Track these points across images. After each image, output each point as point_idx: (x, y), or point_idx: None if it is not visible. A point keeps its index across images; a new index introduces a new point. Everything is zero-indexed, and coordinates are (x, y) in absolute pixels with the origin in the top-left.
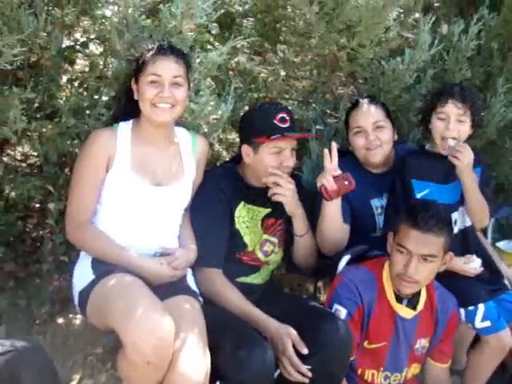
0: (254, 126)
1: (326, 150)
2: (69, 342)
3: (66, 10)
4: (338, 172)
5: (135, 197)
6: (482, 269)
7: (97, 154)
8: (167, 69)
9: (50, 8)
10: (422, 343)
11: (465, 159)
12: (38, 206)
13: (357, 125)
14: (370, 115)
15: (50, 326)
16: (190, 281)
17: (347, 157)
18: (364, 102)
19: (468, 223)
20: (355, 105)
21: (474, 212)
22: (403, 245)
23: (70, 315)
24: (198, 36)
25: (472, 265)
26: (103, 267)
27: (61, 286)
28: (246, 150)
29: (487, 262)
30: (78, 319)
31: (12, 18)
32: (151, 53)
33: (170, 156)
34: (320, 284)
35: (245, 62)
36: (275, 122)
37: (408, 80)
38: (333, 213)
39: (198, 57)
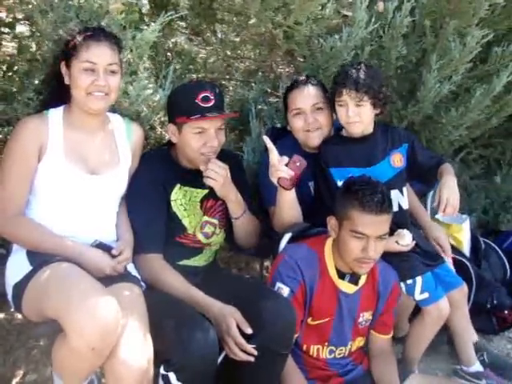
0: (177, 105)
1: (265, 138)
2: (10, 337)
3: None
4: (286, 159)
5: (70, 186)
6: (414, 243)
7: (27, 143)
8: (102, 56)
9: None
10: (365, 316)
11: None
12: None
13: (295, 107)
14: (308, 97)
15: None
16: (130, 267)
17: (287, 137)
18: (302, 83)
19: (405, 206)
20: (293, 85)
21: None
22: (359, 231)
23: (11, 309)
24: (128, 16)
25: (404, 241)
26: (40, 258)
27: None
28: (171, 129)
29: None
30: (19, 314)
31: None
32: (83, 37)
33: (105, 143)
34: (267, 263)
35: (183, 42)
36: (197, 101)
37: (346, 57)
38: (291, 199)
39: (132, 37)
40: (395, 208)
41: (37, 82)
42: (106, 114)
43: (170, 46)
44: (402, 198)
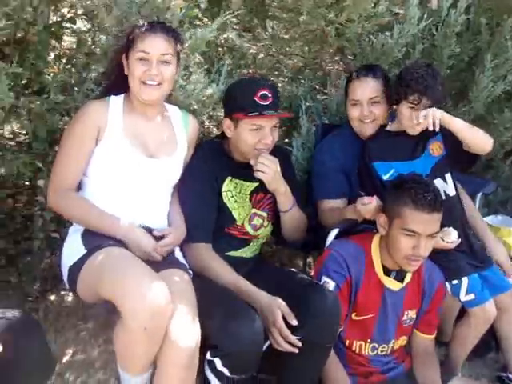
0: (235, 100)
1: None
2: (61, 318)
3: None
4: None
5: (128, 167)
6: (459, 240)
7: (86, 125)
8: (155, 46)
9: None
10: (410, 315)
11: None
12: (27, 183)
13: (353, 97)
14: (367, 90)
15: (41, 302)
16: (178, 255)
17: (344, 126)
18: (364, 74)
19: (452, 192)
20: (355, 75)
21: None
22: (411, 229)
23: (62, 292)
24: (187, 12)
25: (449, 238)
26: (94, 241)
27: (52, 263)
28: (227, 123)
29: (466, 233)
30: (69, 296)
31: None
32: (141, 29)
33: (163, 130)
34: (310, 259)
35: (234, 38)
36: (255, 98)
37: (397, 55)
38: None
39: (188, 33)
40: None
41: (94, 74)
42: (164, 105)
43: (222, 41)
44: (446, 186)
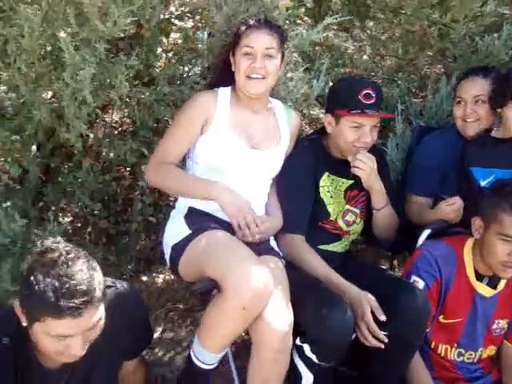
0: (339, 97)
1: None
2: (152, 297)
3: None
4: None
5: (232, 156)
6: None
7: (196, 110)
8: (260, 41)
9: None
10: (501, 324)
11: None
12: (128, 168)
13: (458, 95)
14: (472, 88)
15: (134, 282)
16: (273, 244)
17: (448, 127)
18: (474, 73)
19: None
20: (466, 74)
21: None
22: (509, 234)
23: (154, 274)
24: (293, 11)
25: None
26: (198, 223)
27: (146, 246)
28: (328, 119)
29: None
30: (160, 278)
31: None
32: (246, 26)
33: (267, 123)
34: (395, 262)
35: (333, 37)
36: (359, 97)
37: (504, 57)
38: None
39: (293, 32)
40: None
41: (198, 68)
42: (269, 98)
43: (321, 40)
44: None
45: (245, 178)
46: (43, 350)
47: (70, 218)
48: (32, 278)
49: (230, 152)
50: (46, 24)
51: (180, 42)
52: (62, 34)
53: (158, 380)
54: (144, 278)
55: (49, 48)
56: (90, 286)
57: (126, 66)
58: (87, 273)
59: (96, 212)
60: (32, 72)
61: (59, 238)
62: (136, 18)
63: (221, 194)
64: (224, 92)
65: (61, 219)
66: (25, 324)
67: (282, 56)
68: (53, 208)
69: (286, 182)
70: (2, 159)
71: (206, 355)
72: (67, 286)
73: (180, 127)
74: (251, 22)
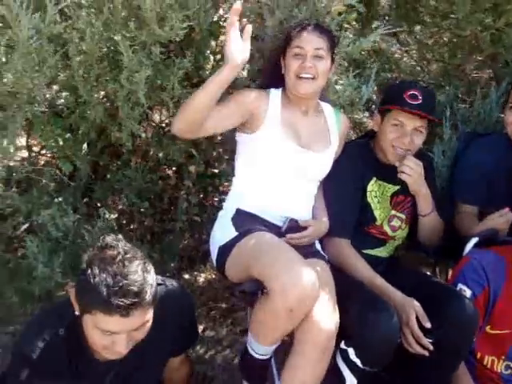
0: (386, 95)
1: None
2: (194, 296)
3: None
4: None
5: (282, 155)
6: None
7: (247, 97)
8: (310, 41)
9: None
10: None
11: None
12: (174, 168)
13: (510, 99)
14: None
15: (177, 280)
16: (318, 247)
17: (498, 133)
18: None
19: None
20: None
21: None
22: None
23: (195, 272)
24: (346, 16)
25: None
26: (245, 225)
27: (190, 244)
28: (376, 118)
29: None
30: (201, 277)
31: None
32: (297, 29)
33: (317, 125)
34: (437, 269)
35: (380, 42)
36: (405, 96)
37: None
38: None
39: (346, 39)
40: None
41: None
42: (318, 101)
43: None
44: None
45: (293, 177)
46: (91, 342)
47: (116, 215)
48: (89, 270)
49: (280, 150)
50: (105, 28)
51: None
52: (120, 38)
53: (199, 377)
54: (186, 277)
55: (105, 50)
56: (141, 288)
57: (179, 68)
58: (141, 275)
59: (142, 210)
60: (90, 73)
61: (120, 236)
62: (191, 23)
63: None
64: (275, 92)
65: (107, 216)
66: (77, 313)
67: (333, 60)
68: (98, 204)
69: (334, 186)
70: (51, 156)
71: (259, 348)
72: (120, 284)
73: (224, 100)
74: (301, 25)
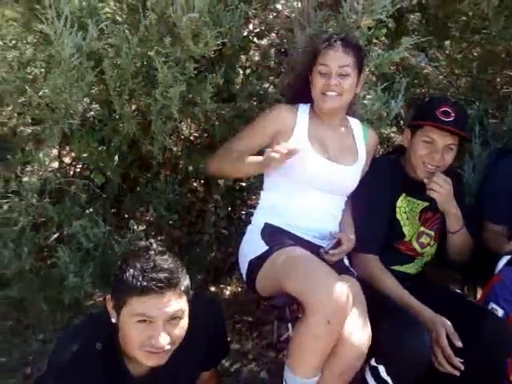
0: (418, 111)
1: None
2: None
3: (254, 4)
4: None
5: (310, 167)
6: None
7: (273, 117)
8: (334, 59)
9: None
10: None
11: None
12: (202, 181)
13: None
14: None
15: (203, 292)
16: (347, 263)
17: None
18: None
19: None
20: None
21: None
22: None
23: (221, 285)
24: (375, 31)
25: None
26: (275, 239)
27: (217, 257)
28: (406, 133)
29: None
30: (227, 290)
31: (215, 14)
32: (323, 45)
33: (345, 140)
34: (465, 287)
35: (410, 57)
36: (437, 112)
37: None
38: None
39: (377, 55)
40: None
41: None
42: (346, 116)
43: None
44: None
45: (322, 190)
46: (128, 348)
47: (144, 227)
48: (123, 266)
49: (308, 163)
50: (141, 44)
51: (257, 58)
52: (154, 54)
53: None
54: (212, 289)
55: (140, 65)
56: (175, 272)
57: (211, 83)
58: (175, 265)
59: (171, 222)
60: (125, 88)
61: (153, 241)
62: (225, 40)
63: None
64: (304, 108)
65: (135, 227)
66: (114, 320)
67: (360, 74)
68: (125, 216)
69: (362, 202)
70: (81, 167)
71: (300, 382)
72: (152, 264)
73: (253, 128)
74: (327, 41)
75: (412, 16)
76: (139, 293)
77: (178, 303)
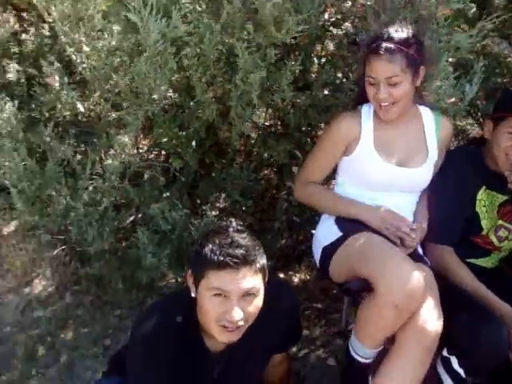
0: (502, 101)
1: None
2: None
3: None
4: None
5: (378, 176)
6: None
7: (339, 137)
8: (380, 71)
9: None
10: None
11: None
12: (275, 169)
13: None
14: None
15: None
16: (421, 251)
17: None
18: None
19: None
20: None
21: None
22: None
23: (290, 272)
24: (452, 21)
25: None
26: (349, 226)
27: (287, 244)
28: (488, 125)
29: None
30: (296, 277)
31: (295, 1)
32: (368, 51)
33: (414, 138)
34: None
35: (492, 45)
36: None
37: None
38: None
39: (444, 37)
40: None
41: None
42: (415, 108)
43: (479, 47)
44: None
45: (393, 191)
46: (205, 317)
47: (217, 212)
48: (203, 242)
49: (376, 171)
50: (223, 31)
51: (332, 48)
52: (236, 40)
53: (293, 375)
54: (281, 276)
55: (221, 52)
56: (252, 249)
57: (290, 70)
58: (253, 243)
59: (244, 208)
60: (206, 74)
61: (233, 219)
62: (306, 26)
63: (360, 210)
64: (366, 111)
65: (208, 212)
66: (193, 294)
67: (417, 70)
68: (198, 201)
69: (440, 193)
70: (158, 152)
71: (362, 349)
72: (230, 241)
73: (323, 151)
74: (371, 48)
75: (497, 1)
76: (216, 267)
77: (252, 280)
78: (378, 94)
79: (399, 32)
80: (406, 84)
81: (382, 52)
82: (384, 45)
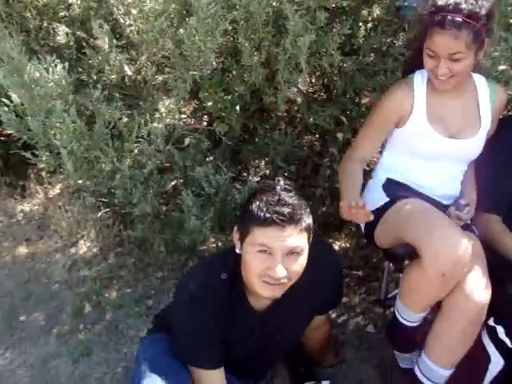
0: None
1: None
2: None
3: None
4: None
5: (430, 148)
6: None
7: (390, 113)
8: (442, 46)
9: None
10: None
11: None
12: (318, 135)
13: None
14: None
15: None
16: (468, 221)
17: None
18: None
19: None
20: None
21: None
22: None
23: (331, 240)
24: None
25: None
26: (396, 191)
27: (328, 211)
28: None
29: None
30: (336, 245)
31: None
32: (432, 22)
33: (467, 107)
34: None
35: None
36: None
37: None
38: None
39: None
40: None
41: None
42: (470, 78)
43: None
44: None
45: (443, 162)
46: (249, 272)
47: (258, 178)
48: (251, 199)
49: (428, 143)
50: None
51: (378, 13)
52: (286, 2)
53: (332, 340)
54: None
55: (271, 14)
56: (298, 208)
57: (339, 34)
58: (299, 202)
59: (286, 174)
60: (254, 37)
61: (281, 178)
62: None
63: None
64: (419, 80)
65: (250, 177)
66: (238, 251)
67: (481, 45)
68: (240, 166)
69: (490, 161)
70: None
71: (408, 314)
72: (277, 198)
73: (374, 126)
74: (436, 19)
75: None
76: (261, 223)
77: (297, 239)
78: (438, 68)
79: (464, 11)
80: (469, 60)
81: (447, 27)
82: (450, 18)
